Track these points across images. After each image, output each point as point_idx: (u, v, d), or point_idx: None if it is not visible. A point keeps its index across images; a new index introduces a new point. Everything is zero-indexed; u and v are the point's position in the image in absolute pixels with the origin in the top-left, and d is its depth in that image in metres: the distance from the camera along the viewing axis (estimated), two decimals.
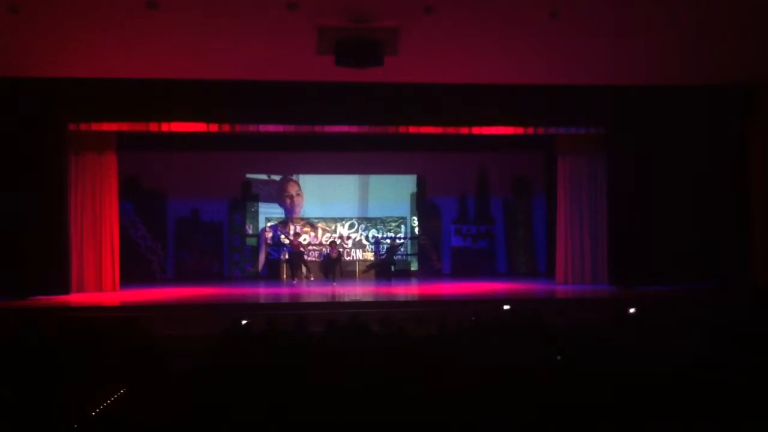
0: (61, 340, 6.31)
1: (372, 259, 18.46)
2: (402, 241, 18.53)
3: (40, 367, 5.36)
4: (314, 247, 18.27)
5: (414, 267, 18.78)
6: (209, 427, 4.34)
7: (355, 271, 18.42)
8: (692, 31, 11.52)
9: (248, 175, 18.28)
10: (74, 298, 13.86)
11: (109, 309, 12.88)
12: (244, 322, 8.64)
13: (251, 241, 18.29)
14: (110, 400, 4.86)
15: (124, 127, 14.61)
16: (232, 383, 4.91)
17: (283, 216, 18.49)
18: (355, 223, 18.71)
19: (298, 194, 18.56)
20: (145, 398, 4.73)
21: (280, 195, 18.49)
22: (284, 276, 17.92)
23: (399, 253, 18.31)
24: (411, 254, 18.79)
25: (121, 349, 5.98)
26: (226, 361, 5.84)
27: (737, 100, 14.79)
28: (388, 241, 18.25)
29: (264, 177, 18.42)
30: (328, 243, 17.91)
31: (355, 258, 18.57)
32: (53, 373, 5.30)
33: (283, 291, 15.98)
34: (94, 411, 4.63)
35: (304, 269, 17.49)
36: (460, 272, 18.38)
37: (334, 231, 18.51)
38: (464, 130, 15.31)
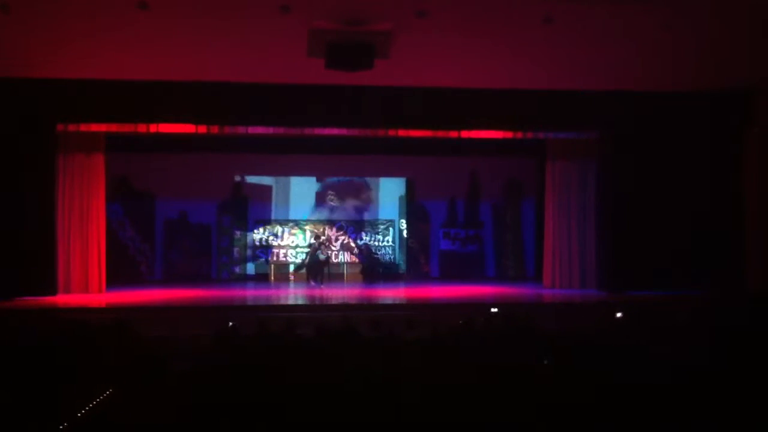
0: (52, 342, 6.27)
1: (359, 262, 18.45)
2: (375, 243, 18.46)
3: (29, 368, 5.33)
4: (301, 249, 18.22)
5: (402, 270, 18.78)
6: (202, 430, 4.33)
7: (343, 273, 18.39)
8: (686, 37, 11.57)
9: (246, 178, 18.21)
10: (61, 299, 13.78)
11: (96, 310, 12.82)
12: (231, 324, 8.63)
13: (240, 243, 18.23)
14: (101, 402, 4.84)
15: (113, 128, 14.54)
16: (225, 385, 4.90)
17: (270, 218, 18.43)
18: (344, 225, 18.68)
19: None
20: (138, 400, 4.70)
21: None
22: (271, 279, 17.97)
23: (380, 254, 18.29)
24: (390, 257, 18.70)
25: (113, 351, 5.95)
26: (218, 363, 5.82)
27: (732, 105, 14.79)
28: (361, 245, 18.21)
29: (256, 181, 18.34)
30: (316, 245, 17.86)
31: (342, 261, 18.54)
32: (42, 374, 5.26)
33: (272, 293, 15.98)
34: (85, 413, 4.60)
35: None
36: (449, 276, 18.40)
37: (322, 233, 18.47)
38: (454, 134, 15.34)
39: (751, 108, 14.79)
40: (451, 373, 5.30)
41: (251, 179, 18.34)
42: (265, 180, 18.43)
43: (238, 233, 18.19)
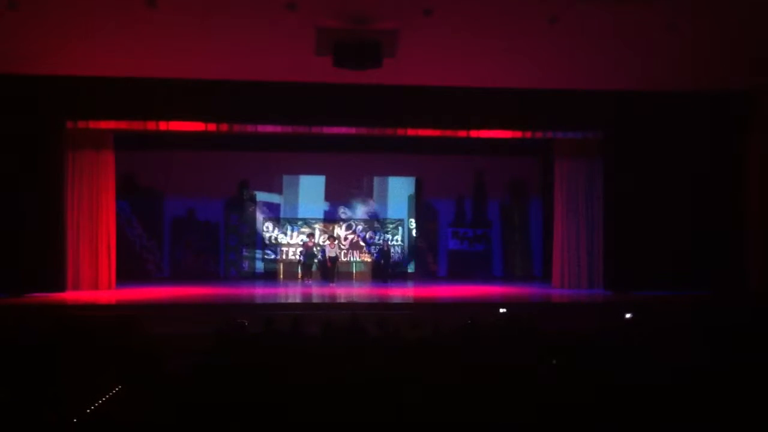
0: (58, 339, 6.30)
1: (368, 260, 18.45)
2: (392, 242, 18.46)
3: (36, 365, 5.36)
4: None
5: (411, 269, 18.76)
6: (205, 427, 4.35)
7: (352, 272, 18.40)
8: (690, 38, 11.55)
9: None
10: (70, 296, 13.84)
11: (105, 307, 12.88)
12: (239, 321, 8.63)
13: (247, 241, 18.25)
14: (105, 399, 4.86)
15: (122, 125, 14.61)
16: (228, 383, 4.92)
17: (278, 216, 18.44)
18: (353, 224, 18.68)
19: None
20: (141, 397, 4.73)
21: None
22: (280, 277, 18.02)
23: (395, 254, 18.31)
24: (404, 255, 18.72)
25: (117, 348, 5.97)
26: (223, 362, 5.84)
27: (734, 107, 14.82)
28: (380, 243, 18.22)
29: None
30: (326, 242, 17.86)
31: (351, 259, 18.55)
32: (49, 371, 5.29)
33: (280, 291, 16.01)
34: (90, 410, 4.63)
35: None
36: (457, 275, 18.38)
37: (332, 232, 18.47)
38: (462, 133, 15.33)
39: (751, 108, 14.76)
40: (454, 373, 5.30)
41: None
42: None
43: (245, 231, 18.20)
